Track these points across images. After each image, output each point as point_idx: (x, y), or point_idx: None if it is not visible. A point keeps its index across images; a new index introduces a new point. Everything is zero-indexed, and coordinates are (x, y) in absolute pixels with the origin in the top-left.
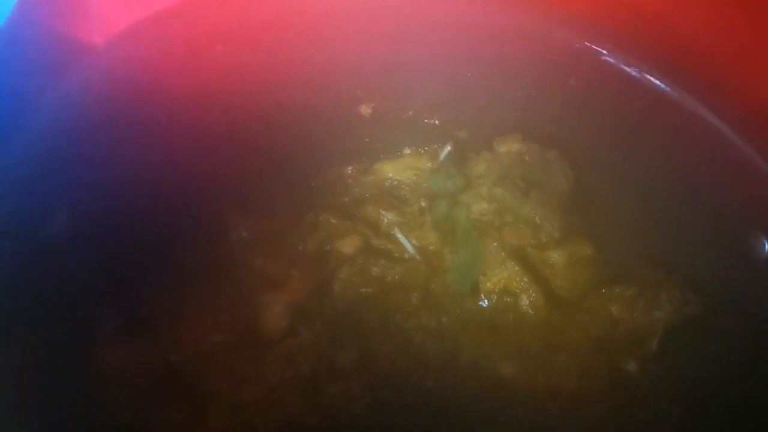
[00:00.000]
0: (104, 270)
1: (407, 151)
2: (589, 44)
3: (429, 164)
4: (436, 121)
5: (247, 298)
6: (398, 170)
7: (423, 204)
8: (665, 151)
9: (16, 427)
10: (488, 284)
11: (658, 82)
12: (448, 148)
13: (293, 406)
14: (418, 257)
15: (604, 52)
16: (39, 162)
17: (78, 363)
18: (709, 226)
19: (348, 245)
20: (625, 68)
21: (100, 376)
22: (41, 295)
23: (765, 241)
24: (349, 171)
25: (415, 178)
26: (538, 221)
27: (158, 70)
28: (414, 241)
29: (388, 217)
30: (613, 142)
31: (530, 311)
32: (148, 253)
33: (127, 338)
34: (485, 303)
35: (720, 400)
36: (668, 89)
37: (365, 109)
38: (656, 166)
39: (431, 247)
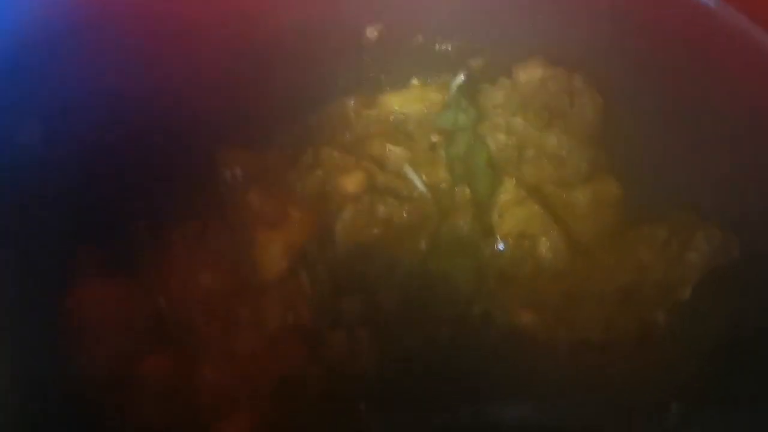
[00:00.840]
0: (82, 204)
1: (415, 81)
2: None
3: (439, 96)
4: (449, 48)
5: (242, 238)
6: (405, 103)
7: (433, 139)
8: (706, 78)
9: None
10: (504, 227)
11: None
12: (462, 77)
13: (293, 356)
14: (428, 196)
15: None
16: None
17: (53, 307)
18: (752, 164)
19: (351, 183)
20: None
21: (78, 321)
22: (10, 230)
23: None
24: (352, 104)
25: (424, 111)
26: (564, 155)
27: None
28: (424, 178)
29: (395, 152)
30: (646, 66)
31: (550, 257)
32: (131, 187)
33: (108, 281)
34: (501, 247)
35: (753, 357)
36: (709, 2)
37: (371, 32)
38: (695, 95)
39: (443, 186)
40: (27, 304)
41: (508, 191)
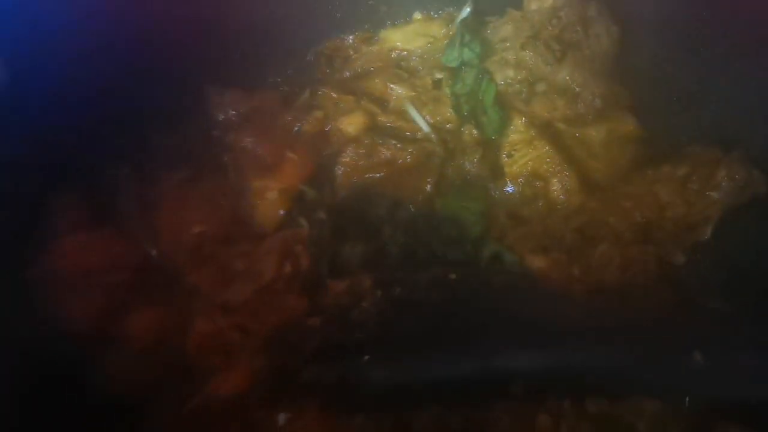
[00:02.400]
0: (61, 149)
1: (417, 15)
2: None
3: (443, 30)
4: None
5: (236, 183)
6: (407, 38)
7: (437, 76)
8: (727, 7)
9: None
10: (514, 167)
11: None
12: (467, 9)
13: (292, 306)
14: (433, 136)
15: None
16: None
17: (31, 257)
18: None
19: (351, 124)
20: None
21: (60, 273)
22: None
23: None
24: (350, 40)
25: (427, 47)
26: (576, 90)
27: None
28: (428, 118)
29: (397, 91)
30: None
31: (562, 197)
32: (116, 130)
33: (92, 228)
34: (511, 188)
35: None
36: None
37: None
38: (717, 20)
39: (448, 125)
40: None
41: (517, 130)
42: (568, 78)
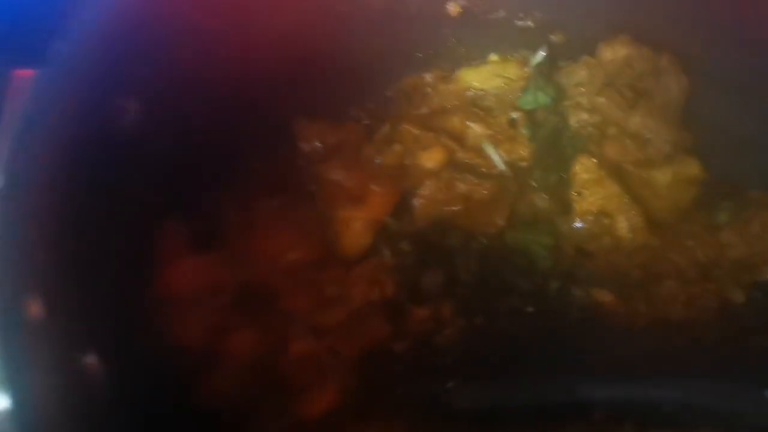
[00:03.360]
0: (170, 178)
1: (494, 56)
2: None
3: (518, 72)
4: (530, 23)
5: (325, 213)
6: (483, 78)
7: (513, 116)
8: None
9: (78, 352)
10: (584, 204)
11: None
12: (542, 53)
13: (379, 330)
14: (508, 173)
15: None
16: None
17: (142, 280)
18: None
19: (430, 159)
20: None
21: (166, 295)
22: (104, 204)
23: None
24: (429, 78)
25: (503, 87)
26: (648, 135)
27: None
28: (503, 155)
29: (474, 129)
30: (734, 47)
31: (629, 235)
32: (215, 161)
33: (196, 254)
34: (579, 225)
35: None
36: None
37: (453, 7)
38: None
39: (522, 164)
40: (119, 277)
41: (587, 170)
42: (640, 124)
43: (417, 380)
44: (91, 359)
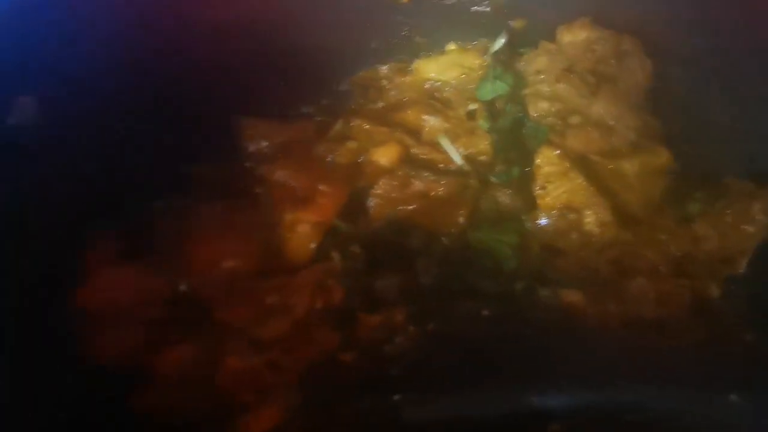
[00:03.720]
0: (93, 186)
1: (452, 46)
2: None
3: (478, 61)
4: (487, 8)
5: (268, 217)
6: (441, 69)
7: (471, 107)
8: (759, 38)
9: None
10: (548, 199)
11: None
12: (502, 40)
13: (325, 341)
14: (467, 168)
15: None
16: None
17: (66, 293)
18: None
19: (385, 155)
20: None
21: (93, 309)
22: (16, 212)
23: None
24: (384, 71)
25: (462, 77)
26: (611, 123)
27: None
28: (462, 150)
29: (431, 122)
30: (700, 28)
31: (597, 230)
32: (146, 163)
33: (126, 264)
34: (545, 221)
35: None
36: None
37: None
38: (749, 56)
39: (482, 158)
40: (40, 290)
41: (551, 162)
42: (602, 111)
43: (364, 394)
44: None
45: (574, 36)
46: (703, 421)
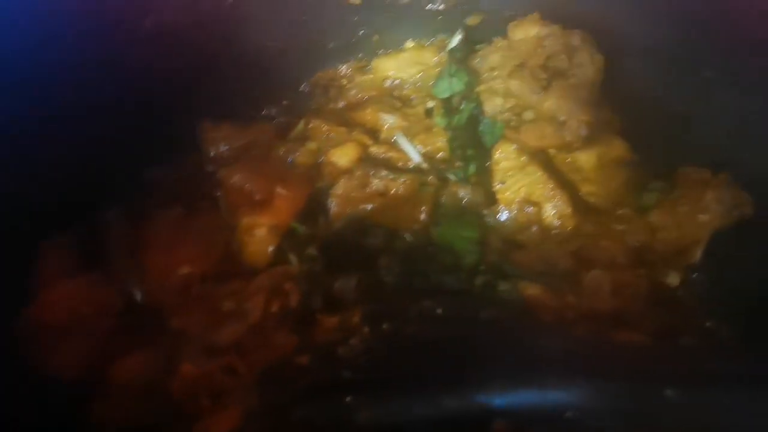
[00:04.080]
0: (43, 193)
1: (410, 43)
2: None
3: (435, 58)
4: (441, 6)
5: (226, 221)
6: (400, 66)
7: (429, 105)
8: (716, 25)
9: None
10: (508, 194)
11: None
12: (458, 36)
13: (282, 344)
14: (425, 166)
15: None
16: None
17: (15, 304)
18: (765, 113)
19: (343, 155)
20: None
21: (45, 319)
22: None
23: None
24: (343, 70)
25: (420, 75)
26: (563, 117)
27: None
28: (420, 147)
29: (389, 121)
30: (651, 17)
31: (556, 222)
32: (105, 173)
33: (77, 272)
34: (505, 215)
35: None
36: None
37: None
38: (701, 46)
39: (440, 154)
40: None
41: (508, 157)
42: (554, 106)
43: (318, 397)
44: None
45: (525, 32)
46: (638, 415)
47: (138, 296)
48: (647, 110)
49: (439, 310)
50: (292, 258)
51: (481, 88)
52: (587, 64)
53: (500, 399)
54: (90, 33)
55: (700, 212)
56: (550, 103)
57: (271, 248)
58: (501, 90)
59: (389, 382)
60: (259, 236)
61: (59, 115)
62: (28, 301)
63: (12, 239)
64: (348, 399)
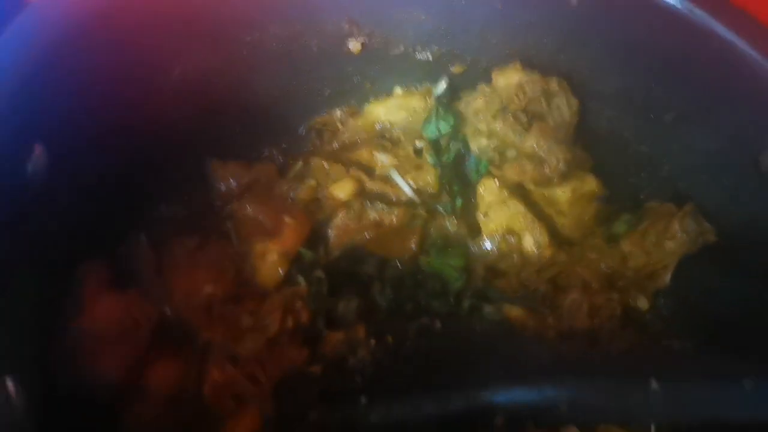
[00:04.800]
0: (86, 221)
1: (398, 90)
2: None
3: (423, 103)
4: (429, 56)
5: (239, 248)
6: (390, 111)
7: (419, 145)
8: (675, 75)
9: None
10: (491, 225)
11: None
12: (444, 84)
13: (295, 356)
14: (416, 200)
15: None
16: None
17: (63, 320)
18: (722, 151)
19: (342, 190)
20: None
21: (88, 332)
22: (22, 249)
23: None
24: (338, 115)
25: (408, 119)
26: (542, 155)
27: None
28: (411, 183)
29: (382, 159)
30: (618, 68)
31: (535, 251)
32: (132, 205)
33: (115, 293)
34: (489, 245)
35: (735, 334)
36: (676, 4)
37: (354, 45)
38: (665, 92)
39: (429, 189)
40: (39, 317)
41: (491, 192)
42: (534, 145)
43: (331, 401)
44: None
45: (507, 79)
46: (626, 407)
47: (168, 312)
48: (616, 150)
49: (438, 325)
50: (301, 280)
51: (467, 129)
52: (564, 108)
53: (500, 397)
54: (119, 81)
55: (668, 240)
56: (530, 142)
57: (281, 271)
58: (485, 131)
59: (397, 385)
60: (271, 261)
61: (92, 161)
62: (75, 315)
63: (51, 260)
64: (362, 400)
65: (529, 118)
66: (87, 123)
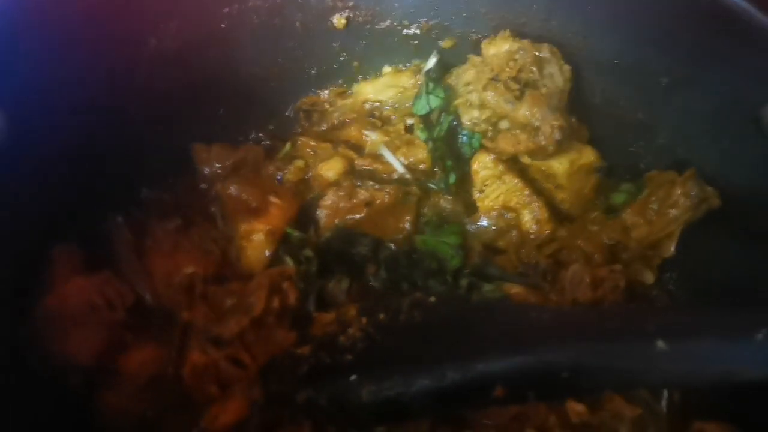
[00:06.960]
0: (60, 202)
1: (387, 68)
2: None
3: (412, 81)
4: (417, 30)
5: (224, 229)
6: (379, 90)
7: (409, 122)
8: (667, 36)
9: None
10: (487, 201)
11: None
12: (434, 59)
13: (282, 339)
14: (408, 176)
15: None
16: None
17: (32, 301)
18: (721, 111)
19: (330, 169)
20: None
21: (56, 313)
22: None
23: None
24: (326, 95)
25: (398, 96)
26: (536, 124)
27: None
28: (402, 159)
29: (371, 136)
30: (610, 31)
31: (534, 227)
32: (111, 186)
33: (86, 273)
34: (485, 222)
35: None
36: None
37: (338, 20)
38: (659, 52)
39: (422, 166)
40: (6, 299)
41: (486, 167)
42: (528, 114)
43: (320, 380)
44: None
45: (497, 48)
46: (631, 372)
47: (146, 294)
48: (612, 120)
49: (432, 299)
50: (288, 260)
51: (458, 101)
52: (557, 74)
53: (497, 365)
54: (95, 63)
55: (670, 207)
56: (523, 111)
57: (268, 252)
58: (477, 102)
59: (390, 360)
60: (257, 240)
61: (67, 135)
62: (44, 294)
63: (22, 241)
64: (352, 377)
65: (521, 86)
66: (56, 95)
